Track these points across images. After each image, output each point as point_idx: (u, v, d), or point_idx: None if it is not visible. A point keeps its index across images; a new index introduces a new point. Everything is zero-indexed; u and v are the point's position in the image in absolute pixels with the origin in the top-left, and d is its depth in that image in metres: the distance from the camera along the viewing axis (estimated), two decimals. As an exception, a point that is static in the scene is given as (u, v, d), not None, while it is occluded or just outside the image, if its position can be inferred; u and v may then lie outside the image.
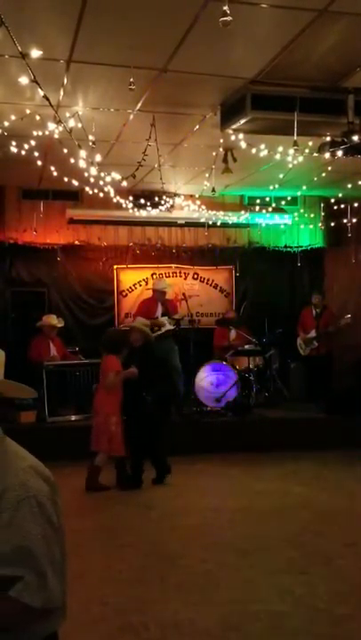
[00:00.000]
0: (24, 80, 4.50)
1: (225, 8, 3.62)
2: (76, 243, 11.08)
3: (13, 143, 7.04)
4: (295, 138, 6.07)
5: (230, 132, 6.55)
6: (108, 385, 7.50)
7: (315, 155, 6.95)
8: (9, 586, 1.90)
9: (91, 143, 6.55)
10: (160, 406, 9.46)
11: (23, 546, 1.91)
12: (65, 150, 6.73)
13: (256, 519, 6.50)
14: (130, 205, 9.41)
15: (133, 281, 11.64)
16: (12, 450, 2.12)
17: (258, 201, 10.89)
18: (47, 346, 9.80)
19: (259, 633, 4.23)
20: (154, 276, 11.63)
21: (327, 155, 6.52)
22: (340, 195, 10.37)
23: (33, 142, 7.00)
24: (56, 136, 6.42)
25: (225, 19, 3.62)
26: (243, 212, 11.00)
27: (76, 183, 8.14)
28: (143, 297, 11.38)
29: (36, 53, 4.19)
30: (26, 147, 7.12)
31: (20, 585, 1.89)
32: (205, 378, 10.01)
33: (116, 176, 7.37)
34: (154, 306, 10.39)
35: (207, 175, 8.76)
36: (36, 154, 7.38)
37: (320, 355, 10.91)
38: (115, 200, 8.67)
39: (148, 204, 9.83)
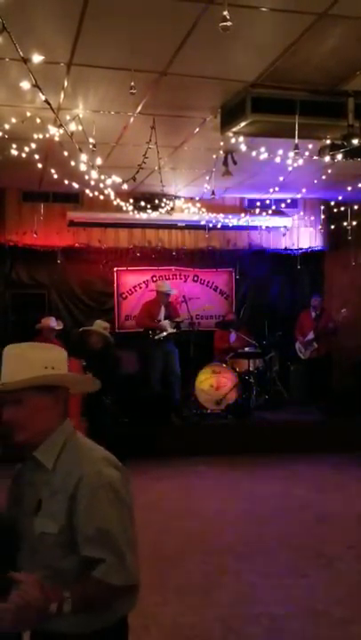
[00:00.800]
0: (25, 85, 4.51)
1: (225, 13, 3.63)
2: (77, 245, 11.08)
3: (14, 146, 7.04)
4: (295, 141, 6.07)
5: (230, 134, 6.56)
6: None
7: (315, 158, 6.96)
8: (91, 567, 2.06)
9: (91, 146, 6.55)
10: (157, 410, 9.49)
11: (103, 529, 2.08)
12: (65, 153, 6.73)
13: (256, 522, 6.50)
14: (130, 208, 9.42)
15: (133, 283, 11.65)
16: (83, 442, 2.29)
17: (258, 203, 10.90)
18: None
19: (259, 636, 4.23)
20: (154, 279, 11.64)
21: (327, 158, 6.52)
22: (340, 197, 10.39)
23: (33, 145, 7.00)
24: (56, 139, 6.42)
25: (225, 24, 3.62)
26: (243, 215, 11.01)
27: (76, 186, 8.14)
28: (144, 299, 11.41)
29: (37, 58, 4.20)
30: (26, 149, 7.13)
31: (102, 566, 2.05)
32: (205, 380, 10.01)
33: (117, 179, 7.38)
34: (157, 308, 10.39)
35: (207, 178, 8.77)
36: (37, 156, 7.39)
37: (320, 357, 10.93)
38: (115, 202, 8.68)
39: (149, 206, 9.84)
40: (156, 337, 10.16)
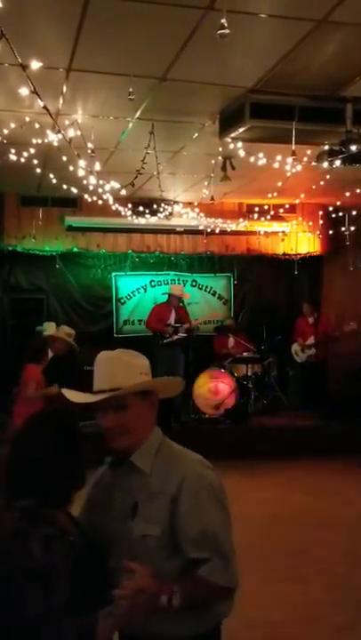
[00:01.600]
0: (24, 91, 4.51)
1: (223, 21, 3.64)
2: (75, 250, 11.10)
3: (13, 150, 7.05)
4: (293, 147, 6.08)
5: (229, 140, 6.56)
6: (27, 397, 7.17)
7: (313, 163, 6.97)
8: (195, 567, 2.07)
9: (90, 151, 6.56)
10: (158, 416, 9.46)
11: (208, 531, 2.09)
12: (64, 158, 6.74)
13: (254, 527, 6.49)
14: (129, 213, 9.43)
15: (132, 288, 11.65)
16: (175, 446, 2.34)
17: (256, 209, 10.91)
18: (46, 353, 9.78)
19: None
20: (152, 284, 11.65)
21: (325, 164, 6.53)
22: (338, 203, 10.40)
23: (32, 150, 7.01)
24: (55, 144, 6.43)
25: (222, 31, 3.63)
26: (241, 220, 11.02)
27: (75, 191, 8.15)
28: (142, 304, 11.44)
29: (35, 65, 4.20)
30: (25, 154, 7.13)
31: (207, 566, 2.07)
32: (204, 385, 10.01)
33: (115, 184, 7.39)
34: (167, 312, 10.39)
35: (206, 183, 8.78)
36: (36, 161, 7.39)
37: (318, 362, 10.93)
38: (114, 207, 8.69)
39: (147, 211, 9.85)
40: (164, 340, 10.16)
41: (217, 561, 2.08)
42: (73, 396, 2.33)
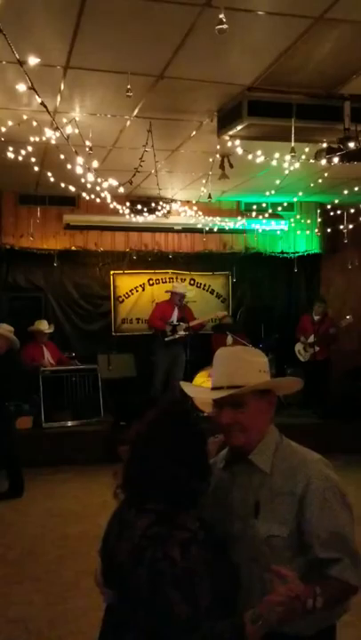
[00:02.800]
0: (21, 87, 4.50)
1: (221, 16, 3.64)
2: (73, 248, 11.08)
3: (10, 149, 7.04)
4: (292, 144, 6.08)
5: (227, 138, 6.56)
6: None
7: (311, 161, 6.97)
8: (324, 567, 2.10)
9: (87, 149, 6.55)
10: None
11: (338, 532, 2.12)
12: (62, 156, 6.73)
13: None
14: (127, 211, 9.42)
15: (130, 286, 11.64)
16: (293, 445, 2.33)
17: (254, 207, 10.90)
18: (40, 351, 9.81)
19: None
20: (150, 282, 11.65)
21: (323, 161, 6.53)
22: (336, 201, 10.40)
23: (30, 148, 7.00)
24: (53, 142, 6.42)
25: (221, 27, 3.63)
26: (239, 218, 11.00)
27: (72, 189, 8.14)
28: (140, 302, 11.43)
29: (33, 61, 4.19)
30: (23, 152, 7.12)
31: (339, 566, 2.10)
32: (202, 384, 10.00)
33: (113, 182, 7.38)
34: (170, 310, 10.39)
35: (204, 181, 8.77)
36: (33, 159, 7.38)
37: (317, 360, 10.92)
38: (112, 206, 8.67)
39: (145, 209, 9.84)
40: (166, 338, 10.16)
41: (347, 561, 2.11)
42: (191, 390, 2.41)
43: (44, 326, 9.90)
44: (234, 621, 1.91)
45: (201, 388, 2.39)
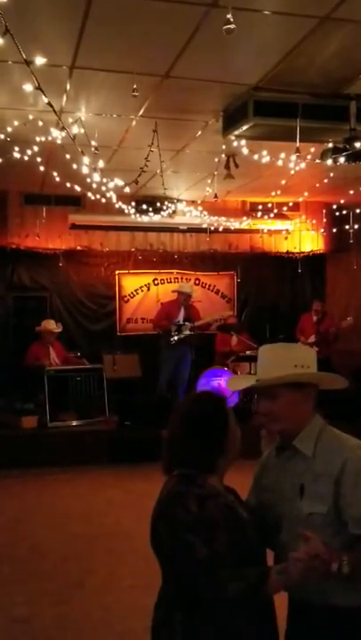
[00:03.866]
0: (28, 87, 4.51)
1: (228, 16, 3.64)
2: (78, 248, 11.10)
3: (16, 148, 7.06)
4: (297, 144, 6.07)
5: (232, 138, 6.56)
6: None
7: (317, 161, 6.96)
8: (357, 542, 2.22)
9: (93, 149, 6.56)
10: (160, 414, 9.47)
11: None
12: (67, 156, 6.74)
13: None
14: (132, 211, 9.42)
15: (135, 286, 11.65)
16: (336, 432, 2.50)
17: (260, 207, 10.90)
18: (47, 351, 9.82)
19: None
20: (155, 282, 11.65)
21: (329, 161, 6.52)
22: (342, 201, 10.39)
23: (36, 148, 7.01)
24: (59, 142, 6.43)
25: (228, 26, 3.63)
26: (245, 218, 11.01)
27: (78, 189, 8.15)
28: (145, 302, 11.43)
29: (39, 61, 4.20)
30: (29, 152, 7.13)
31: None
32: (207, 383, 10.00)
33: (119, 182, 7.39)
34: (176, 309, 10.38)
35: (209, 181, 8.78)
36: (39, 159, 7.40)
37: (319, 360, 10.88)
38: (117, 206, 8.68)
39: (150, 209, 9.84)
40: (170, 339, 10.16)
41: None
42: (229, 382, 2.79)
43: (52, 326, 9.92)
44: (260, 569, 2.17)
45: (241, 380, 2.71)
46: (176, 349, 10.18)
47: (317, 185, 9.07)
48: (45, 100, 4.60)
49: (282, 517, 2.39)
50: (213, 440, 2.36)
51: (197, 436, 2.34)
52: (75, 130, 6.37)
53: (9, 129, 6.46)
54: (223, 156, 7.75)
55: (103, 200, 8.46)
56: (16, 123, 6.39)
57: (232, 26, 3.62)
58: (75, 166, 6.85)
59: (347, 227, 10.61)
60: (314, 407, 2.53)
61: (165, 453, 2.43)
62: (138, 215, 9.69)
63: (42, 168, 7.85)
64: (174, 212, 10.34)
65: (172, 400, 9.98)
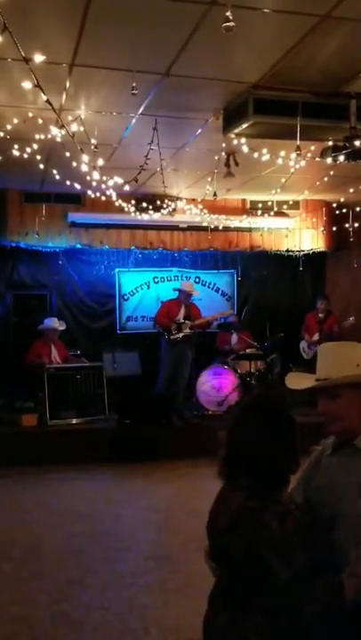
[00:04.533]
0: (27, 85, 4.50)
1: (228, 14, 3.62)
2: (78, 246, 11.08)
3: (16, 146, 7.04)
4: (297, 142, 6.06)
5: (232, 136, 6.54)
6: None
7: (317, 159, 6.95)
8: None
9: (93, 147, 6.55)
10: (159, 412, 9.48)
11: None
12: (67, 154, 6.73)
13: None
14: (132, 209, 9.41)
15: (135, 284, 11.65)
16: None
17: (260, 205, 10.89)
18: (48, 349, 9.82)
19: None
20: (155, 280, 11.65)
21: (329, 159, 6.51)
22: (342, 199, 10.38)
23: (35, 146, 7.00)
24: (58, 139, 6.42)
25: (228, 24, 3.62)
26: (245, 216, 11.00)
27: (78, 187, 8.14)
28: (145, 300, 11.44)
29: (39, 58, 4.19)
30: (28, 150, 7.12)
31: None
32: (207, 382, 10.01)
33: (119, 180, 7.38)
34: (176, 308, 10.40)
35: (209, 179, 8.76)
36: (39, 157, 7.38)
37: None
38: (117, 203, 8.67)
39: (150, 207, 9.83)
40: (171, 337, 10.17)
41: None
42: (288, 380, 2.62)
43: (55, 324, 9.93)
44: (331, 579, 2.12)
45: (300, 378, 2.62)
46: (176, 348, 10.18)
47: (317, 183, 9.07)
48: (44, 97, 4.59)
49: (338, 517, 2.36)
50: (289, 450, 2.28)
51: (281, 439, 2.26)
52: (74, 127, 6.36)
53: (8, 127, 6.44)
54: (223, 154, 7.73)
55: (103, 198, 8.45)
56: (15, 120, 6.37)
57: (231, 24, 3.61)
58: (74, 164, 6.84)
59: (347, 225, 10.61)
60: None
61: (230, 462, 2.33)
62: (138, 213, 9.69)
63: (41, 166, 7.84)
64: (174, 210, 10.32)
65: (171, 399, 9.99)
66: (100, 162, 6.72)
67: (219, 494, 2.35)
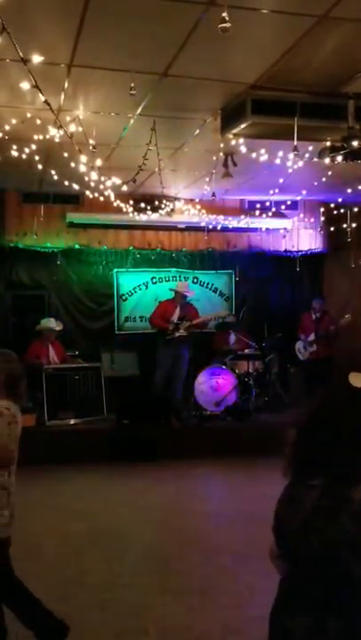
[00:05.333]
0: (25, 85, 4.51)
1: (224, 14, 3.63)
2: (77, 246, 11.09)
3: (14, 147, 7.05)
4: (295, 143, 6.07)
5: (230, 136, 6.55)
6: None
7: (315, 160, 6.97)
8: None
9: (91, 147, 6.56)
10: (157, 412, 9.49)
11: None
12: (65, 154, 6.74)
13: (256, 523, 6.48)
14: (130, 209, 9.42)
15: (133, 285, 11.65)
16: None
17: (258, 205, 10.89)
18: (46, 349, 9.82)
19: (258, 637, 4.22)
20: (153, 280, 11.65)
21: (327, 160, 6.52)
22: (339, 199, 10.39)
23: (34, 146, 7.01)
24: (57, 140, 6.42)
25: (224, 25, 3.63)
26: (243, 217, 11.01)
27: (76, 187, 8.14)
28: (143, 301, 11.44)
29: (37, 59, 4.20)
30: (27, 150, 7.13)
31: None
32: (205, 382, 10.01)
33: (117, 180, 7.38)
34: (172, 309, 10.40)
35: (207, 179, 8.77)
36: (37, 157, 7.39)
37: (319, 359, 10.92)
38: (115, 204, 8.68)
39: (149, 207, 9.84)
40: (166, 337, 10.18)
41: None
42: (355, 379, 2.53)
43: (52, 324, 9.92)
44: None
45: None
46: (172, 348, 10.19)
47: (315, 183, 9.07)
48: (42, 98, 4.59)
49: None
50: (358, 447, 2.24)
51: (346, 444, 2.23)
52: (73, 128, 6.37)
53: (7, 127, 6.45)
54: (221, 154, 7.74)
55: (101, 198, 8.46)
56: (14, 121, 6.38)
57: (228, 25, 3.62)
58: (73, 164, 6.84)
59: (344, 225, 10.62)
60: None
61: (300, 461, 2.33)
62: (136, 213, 9.69)
63: (40, 166, 7.84)
64: (173, 210, 10.34)
65: (168, 399, 9.99)
66: (99, 162, 6.73)
67: (285, 494, 2.35)
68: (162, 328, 10.28)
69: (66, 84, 5.83)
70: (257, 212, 10.90)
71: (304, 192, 9.52)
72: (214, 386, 10.02)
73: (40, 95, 4.66)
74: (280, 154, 6.95)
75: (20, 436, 3.87)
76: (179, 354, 10.24)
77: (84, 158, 6.30)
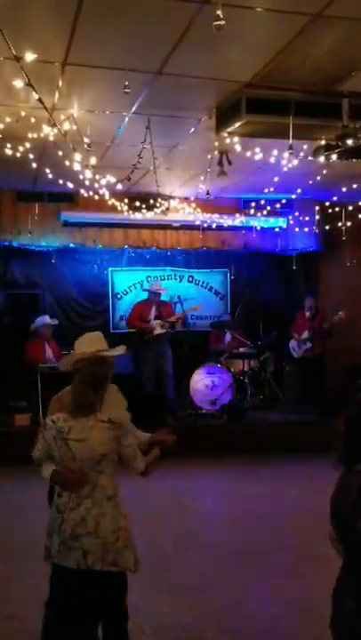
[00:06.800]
0: (19, 83, 4.49)
1: (218, 12, 3.63)
2: (71, 245, 11.07)
3: (8, 145, 7.03)
4: (290, 141, 6.07)
5: (225, 135, 6.55)
6: None
7: (309, 158, 6.97)
8: None
9: (86, 146, 6.54)
10: (151, 411, 9.47)
11: None
12: (60, 153, 6.72)
13: (251, 522, 6.50)
14: (125, 208, 9.41)
15: (128, 283, 11.65)
16: None
17: (253, 204, 10.89)
18: (42, 348, 9.80)
19: (254, 636, 4.23)
20: (149, 279, 11.64)
21: (322, 158, 6.52)
22: (334, 198, 10.39)
23: (28, 144, 6.98)
24: (51, 138, 6.41)
25: (218, 23, 3.62)
26: (238, 215, 11.00)
27: (71, 185, 8.13)
28: (138, 299, 11.42)
29: (30, 57, 4.18)
30: (21, 149, 7.11)
31: None
32: (200, 380, 10.02)
33: (111, 179, 7.37)
34: (148, 308, 10.40)
35: (202, 178, 8.77)
36: (31, 156, 7.37)
37: (315, 357, 10.94)
38: (110, 202, 8.66)
39: (144, 206, 9.83)
40: (146, 337, 10.17)
41: None
42: None
43: (47, 320, 9.89)
44: None
45: None
46: (155, 346, 10.17)
47: (310, 182, 9.08)
48: (36, 96, 4.58)
49: None
50: None
51: None
52: (67, 126, 6.35)
53: (1, 125, 6.43)
54: (216, 153, 7.74)
55: (96, 197, 8.44)
56: (8, 119, 6.36)
57: (222, 22, 3.61)
58: (67, 163, 6.83)
59: (339, 224, 10.62)
60: None
61: (349, 450, 2.55)
62: (131, 212, 9.68)
63: (34, 165, 7.83)
64: (168, 209, 10.32)
65: (161, 398, 9.99)
66: (93, 161, 6.71)
67: (339, 482, 2.57)
68: (141, 329, 10.26)
69: (60, 83, 5.81)
70: (252, 211, 10.90)
71: (299, 190, 9.52)
72: (210, 385, 10.03)
73: (34, 93, 4.64)
74: (275, 152, 6.95)
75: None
76: (162, 351, 10.22)
77: (78, 157, 6.28)
